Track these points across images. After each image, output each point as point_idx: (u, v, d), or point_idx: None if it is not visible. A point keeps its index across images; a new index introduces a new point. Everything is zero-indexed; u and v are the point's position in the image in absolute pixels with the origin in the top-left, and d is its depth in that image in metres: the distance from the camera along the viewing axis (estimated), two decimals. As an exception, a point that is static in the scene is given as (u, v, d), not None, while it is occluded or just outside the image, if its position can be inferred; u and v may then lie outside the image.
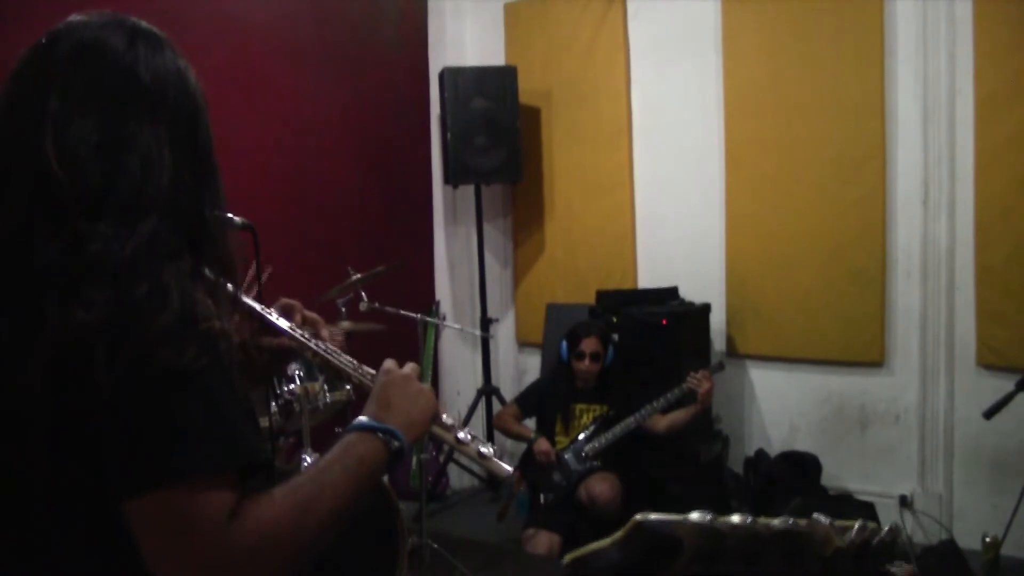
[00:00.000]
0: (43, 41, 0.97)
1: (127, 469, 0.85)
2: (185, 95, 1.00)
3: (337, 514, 0.96)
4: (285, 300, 1.29)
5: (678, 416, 3.76)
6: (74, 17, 0.99)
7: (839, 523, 0.96)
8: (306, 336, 1.24)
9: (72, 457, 0.88)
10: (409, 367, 1.17)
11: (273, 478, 0.94)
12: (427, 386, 1.16)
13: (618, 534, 0.99)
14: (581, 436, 3.88)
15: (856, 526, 0.96)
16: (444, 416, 1.19)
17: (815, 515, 1.00)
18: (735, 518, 0.97)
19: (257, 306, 1.24)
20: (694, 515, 0.97)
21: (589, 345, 3.82)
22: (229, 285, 1.03)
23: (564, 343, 3.89)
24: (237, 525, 0.87)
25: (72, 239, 0.88)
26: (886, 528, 0.98)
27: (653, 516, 0.98)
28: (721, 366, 4.05)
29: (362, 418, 1.07)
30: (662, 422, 3.79)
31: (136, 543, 0.86)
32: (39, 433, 0.88)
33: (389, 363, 1.17)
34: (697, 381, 3.67)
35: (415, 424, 1.11)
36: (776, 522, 0.95)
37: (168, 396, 0.85)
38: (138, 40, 0.98)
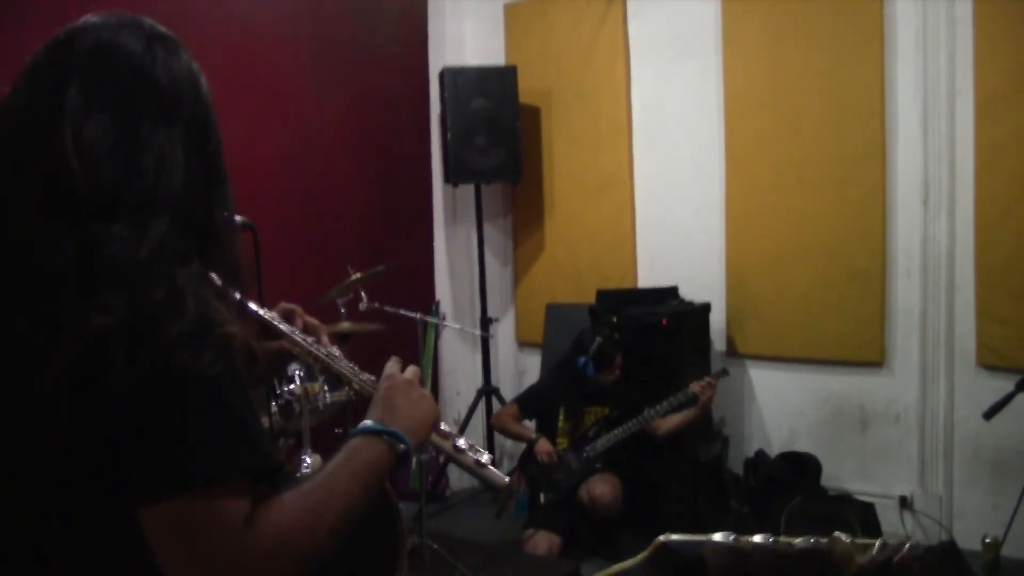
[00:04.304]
0: (60, 38, 0.96)
1: (144, 476, 0.85)
2: (198, 98, 1.01)
3: (346, 518, 0.96)
4: (285, 304, 1.29)
5: (677, 420, 3.79)
6: (90, 17, 0.99)
7: (860, 541, 0.96)
8: (308, 340, 1.24)
9: (86, 462, 0.88)
10: (411, 371, 1.18)
11: (277, 482, 0.94)
12: (428, 392, 1.17)
13: (642, 555, 0.99)
14: (583, 437, 3.88)
15: (877, 544, 0.96)
16: (442, 424, 1.20)
17: (836, 533, 1.00)
18: (758, 538, 0.97)
19: (260, 310, 1.24)
20: (717, 535, 0.97)
21: (619, 359, 3.87)
22: (235, 289, 1.03)
23: (591, 363, 3.79)
24: (253, 531, 0.87)
25: (87, 240, 0.87)
26: (907, 545, 0.98)
27: (677, 537, 0.98)
28: (725, 372, 4.05)
29: (367, 422, 1.07)
30: (662, 427, 3.82)
31: (149, 549, 0.86)
32: (53, 437, 0.88)
33: (392, 367, 1.17)
34: (701, 388, 3.70)
35: (419, 428, 1.11)
36: (798, 541, 0.95)
37: (185, 402, 0.85)
38: (155, 42, 0.99)
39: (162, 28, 1.02)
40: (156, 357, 0.84)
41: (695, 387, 3.73)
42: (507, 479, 1.23)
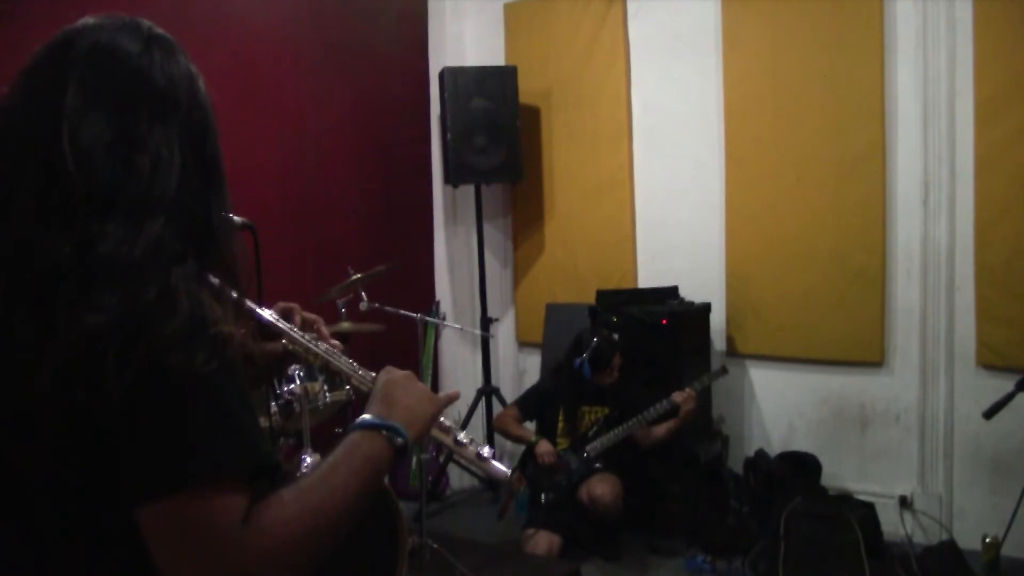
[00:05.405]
0: (59, 40, 0.97)
1: (140, 475, 0.85)
2: (196, 100, 1.01)
3: (346, 515, 0.96)
4: (283, 303, 1.29)
5: (661, 434, 3.82)
6: (88, 19, 0.99)
7: None
8: (307, 338, 1.24)
9: (83, 462, 0.87)
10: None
11: (276, 480, 0.93)
12: (427, 386, 1.17)
13: None
14: (582, 437, 3.88)
15: None
16: (443, 418, 1.19)
17: None
18: None
19: (258, 310, 1.24)
20: None
21: (617, 360, 3.86)
22: (232, 289, 1.03)
23: (587, 364, 3.79)
24: (251, 529, 0.87)
25: (83, 239, 0.88)
26: None
27: None
28: (724, 370, 4.06)
29: (366, 416, 1.07)
30: (647, 440, 3.83)
31: (145, 548, 0.86)
32: (49, 436, 0.87)
33: (390, 367, 1.17)
34: (683, 399, 3.72)
35: (418, 422, 1.11)
36: None
37: (180, 401, 0.85)
38: (152, 44, 0.99)
39: (160, 30, 1.02)
40: (149, 356, 0.84)
41: (677, 397, 3.76)
42: (509, 472, 1.23)
